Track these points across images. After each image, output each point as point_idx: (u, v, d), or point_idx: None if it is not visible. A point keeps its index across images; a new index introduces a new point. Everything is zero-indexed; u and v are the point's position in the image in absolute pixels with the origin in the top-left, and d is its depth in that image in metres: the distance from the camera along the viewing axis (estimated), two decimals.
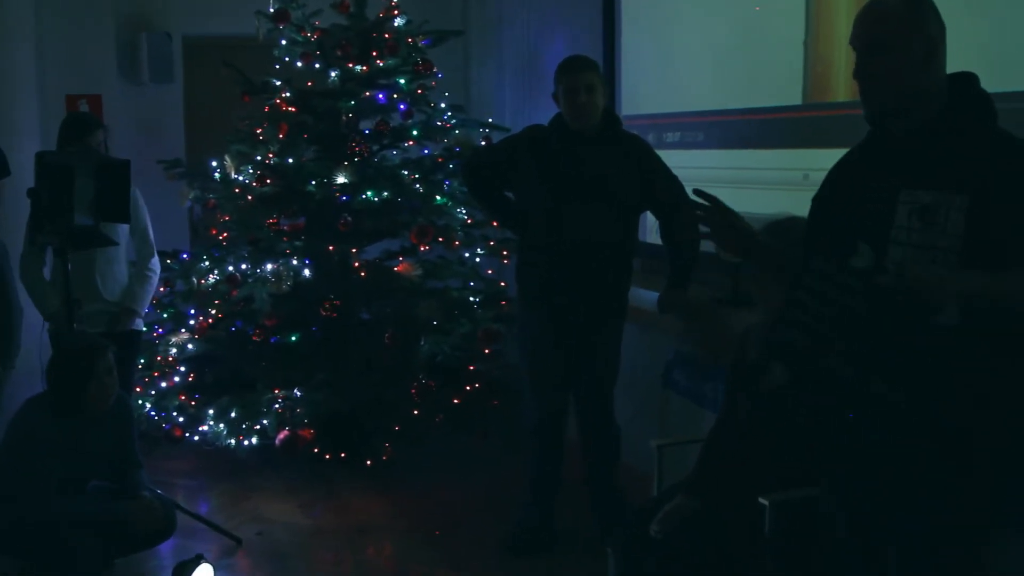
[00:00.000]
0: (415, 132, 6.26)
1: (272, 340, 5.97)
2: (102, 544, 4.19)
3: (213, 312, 6.11)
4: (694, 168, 5.11)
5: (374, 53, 6.19)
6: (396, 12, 6.26)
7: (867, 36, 2.64)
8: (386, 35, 6.20)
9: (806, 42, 4.53)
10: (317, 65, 6.24)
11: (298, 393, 5.78)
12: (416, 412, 5.89)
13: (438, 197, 6.18)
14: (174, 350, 6.05)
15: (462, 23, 7.46)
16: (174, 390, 6.02)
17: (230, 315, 6.12)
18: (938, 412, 2.54)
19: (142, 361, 5.84)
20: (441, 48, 6.52)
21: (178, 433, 5.97)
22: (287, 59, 6.30)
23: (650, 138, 5.25)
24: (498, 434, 6.00)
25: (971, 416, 2.53)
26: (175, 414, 5.98)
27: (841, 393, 2.65)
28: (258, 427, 5.81)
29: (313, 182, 5.99)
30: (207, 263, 6.11)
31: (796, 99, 4.62)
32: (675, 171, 4.67)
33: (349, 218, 5.92)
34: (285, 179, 6.04)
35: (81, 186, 4.41)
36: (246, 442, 5.84)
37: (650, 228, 5.45)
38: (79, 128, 5.07)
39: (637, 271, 4.85)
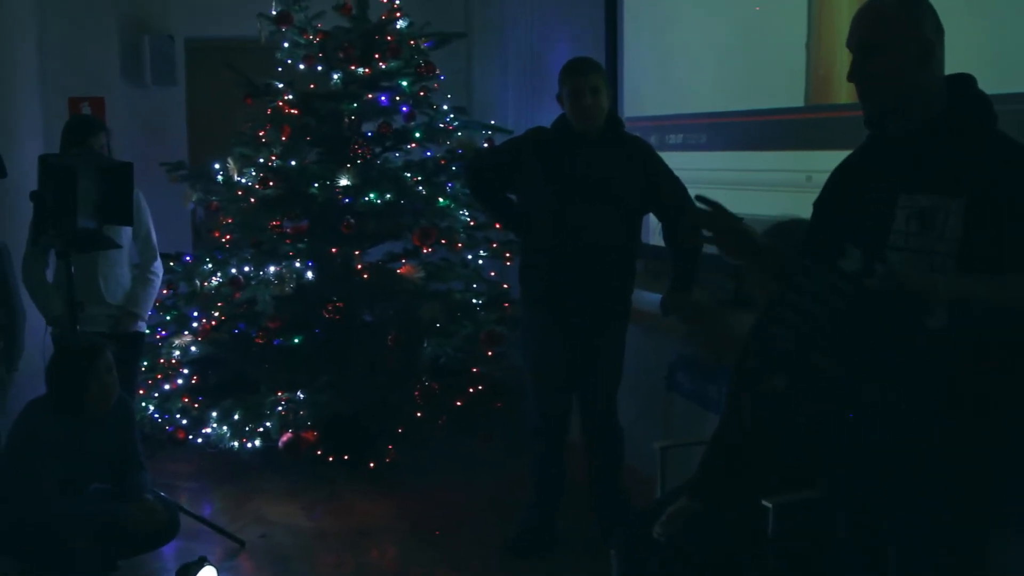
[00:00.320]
0: (418, 134, 6.26)
1: (275, 342, 5.98)
2: (102, 546, 4.19)
3: (216, 314, 6.11)
4: (696, 170, 5.10)
5: (376, 55, 6.19)
6: (398, 14, 6.27)
7: (863, 37, 2.64)
8: (388, 37, 6.21)
9: (808, 44, 4.53)
10: (319, 67, 6.24)
11: (301, 395, 5.78)
12: (419, 414, 5.90)
13: (441, 199, 6.19)
14: (177, 352, 6.05)
15: (464, 25, 7.47)
16: (177, 392, 6.02)
17: (233, 317, 6.12)
18: (930, 414, 2.54)
19: (145, 363, 5.85)
20: (443, 50, 6.52)
21: (181, 435, 5.97)
22: (289, 61, 6.31)
23: (652, 140, 5.25)
24: (501, 436, 6.00)
25: (964, 417, 2.53)
26: (178, 416, 5.98)
27: (832, 394, 2.65)
28: (261, 429, 5.82)
29: (316, 184, 5.99)
30: (210, 265, 6.11)
31: (798, 101, 4.62)
32: (677, 173, 4.67)
33: (352, 220, 5.92)
34: (288, 181, 6.04)
35: (84, 189, 4.41)
36: (249, 444, 5.84)
37: (653, 230, 5.45)
38: (81, 131, 5.07)
39: (640, 273, 4.85)
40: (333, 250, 6.06)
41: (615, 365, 4.75)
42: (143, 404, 5.89)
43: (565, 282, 4.58)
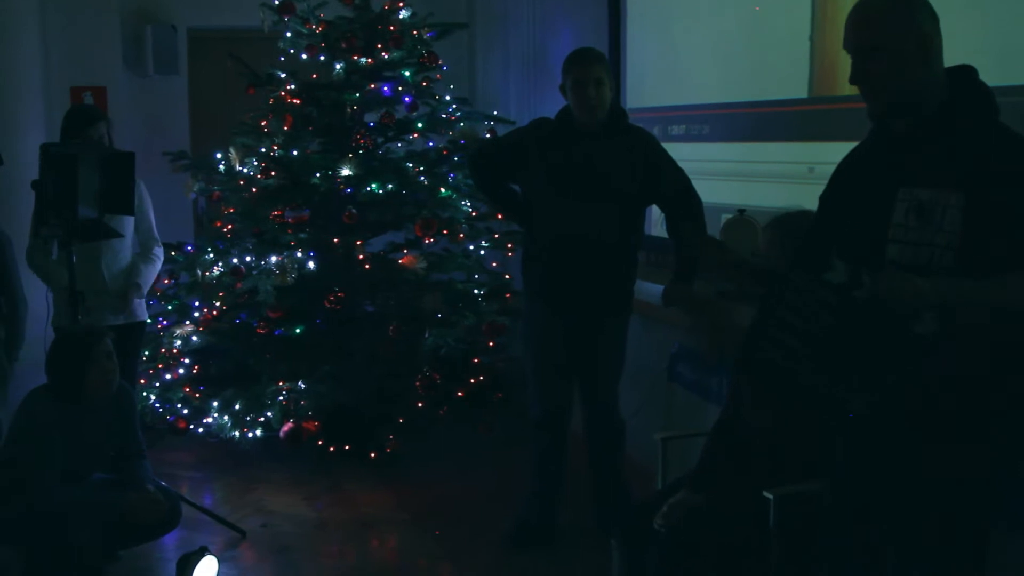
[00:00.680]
0: (420, 124, 6.26)
1: (276, 332, 5.98)
2: (104, 535, 4.19)
3: (217, 304, 6.11)
4: (699, 161, 5.10)
5: (379, 45, 6.18)
6: (401, 4, 6.26)
7: (860, 39, 2.61)
8: (391, 27, 6.20)
9: (812, 35, 4.52)
10: (322, 57, 6.24)
11: (302, 385, 5.78)
12: (420, 405, 5.90)
13: (443, 190, 6.18)
14: (178, 342, 6.05)
15: (467, 16, 7.45)
16: (178, 382, 6.02)
17: (234, 307, 6.12)
18: (923, 419, 2.55)
19: (146, 353, 5.85)
20: (446, 41, 6.52)
21: (182, 425, 5.97)
22: (292, 51, 6.30)
23: (656, 131, 5.24)
24: (502, 427, 6.01)
25: (958, 419, 2.53)
26: (179, 406, 5.99)
27: (823, 408, 2.66)
28: (262, 419, 5.83)
29: (318, 174, 5.98)
30: (211, 255, 6.11)
31: (802, 92, 4.61)
32: (681, 164, 4.66)
33: (354, 210, 5.92)
34: (290, 171, 6.04)
35: (85, 178, 4.41)
36: (250, 434, 5.85)
37: (655, 221, 5.44)
38: (81, 120, 5.06)
39: (642, 264, 4.84)
40: (335, 240, 6.07)
41: (616, 357, 4.74)
42: (144, 394, 5.90)
43: (567, 273, 4.58)
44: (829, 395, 2.55)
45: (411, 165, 6.18)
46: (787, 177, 4.70)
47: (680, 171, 4.63)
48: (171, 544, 4.73)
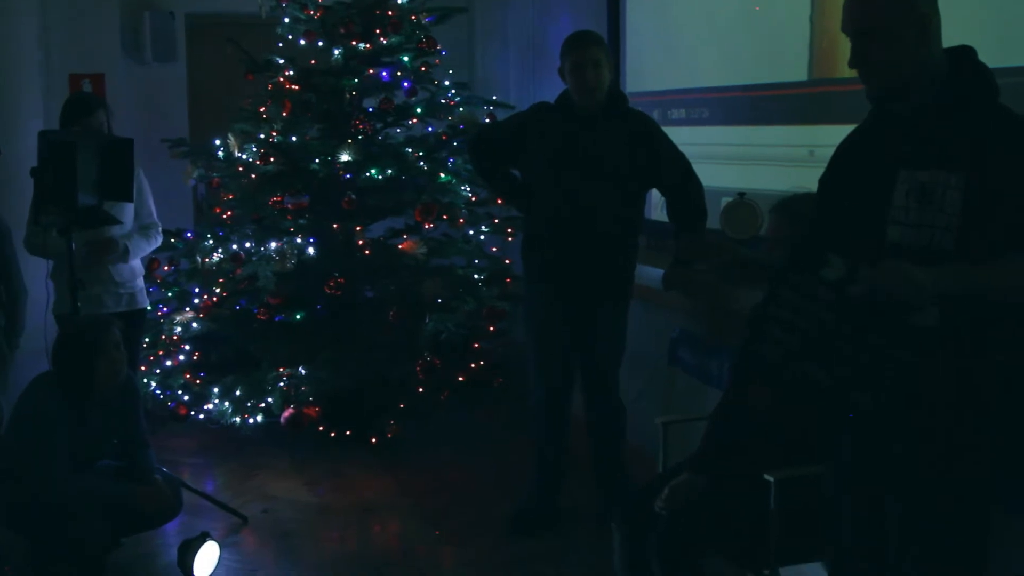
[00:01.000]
0: (419, 110, 6.24)
1: (277, 318, 5.97)
2: (110, 523, 4.20)
3: (217, 291, 6.10)
4: (699, 145, 5.09)
5: (377, 31, 6.16)
6: None
7: (858, 23, 2.60)
8: (389, 12, 6.18)
9: (811, 17, 4.50)
10: (320, 43, 6.22)
11: (303, 371, 5.78)
12: (421, 390, 5.90)
13: (442, 175, 6.17)
14: (179, 329, 6.04)
15: (466, 0, 7.42)
16: (179, 368, 6.02)
17: (234, 293, 6.11)
18: (923, 411, 2.55)
19: (147, 340, 5.85)
20: (445, 25, 6.49)
21: (183, 411, 5.97)
22: (290, 37, 6.29)
23: (655, 115, 5.23)
24: (503, 412, 6.01)
25: (959, 410, 2.53)
26: (180, 392, 5.98)
27: (824, 404, 2.66)
28: (263, 405, 5.83)
29: (317, 160, 5.98)
30: (211, 242, 6.11)
31: (802, 75, 4.60)
32: (681, 148, 4.65)
33: (353, 196, 5.91)
34: (289, 157, 6.03)
35: (84, 165, 4.40)
36: (251, 420, 5.85)
37: (656, 205, 5.44)
38: (81, 108, 5.04)
39: (642, 248, 4.84)
40: (334, 226, 6.06)
41: (617, 341, 4.74)
42: (145, 380, 5.89)
43: (567, 257, 4.57)
44: (833, 391, 2.55)
45: (410, 150, 6.17)
46: (787, 160, 4.70)
47: (680, 155, 4.62)
48: (172, 530, 4.73)
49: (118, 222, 4.93)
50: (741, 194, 4.52)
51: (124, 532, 4.40)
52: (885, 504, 2.72)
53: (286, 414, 5.69)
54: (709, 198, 4.59)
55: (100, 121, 5.03)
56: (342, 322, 5.98)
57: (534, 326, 4.79)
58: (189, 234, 6.24)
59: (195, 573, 4.31)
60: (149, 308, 5.52)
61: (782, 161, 4.74)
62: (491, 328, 6.16)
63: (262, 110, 6.20)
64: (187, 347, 6.07)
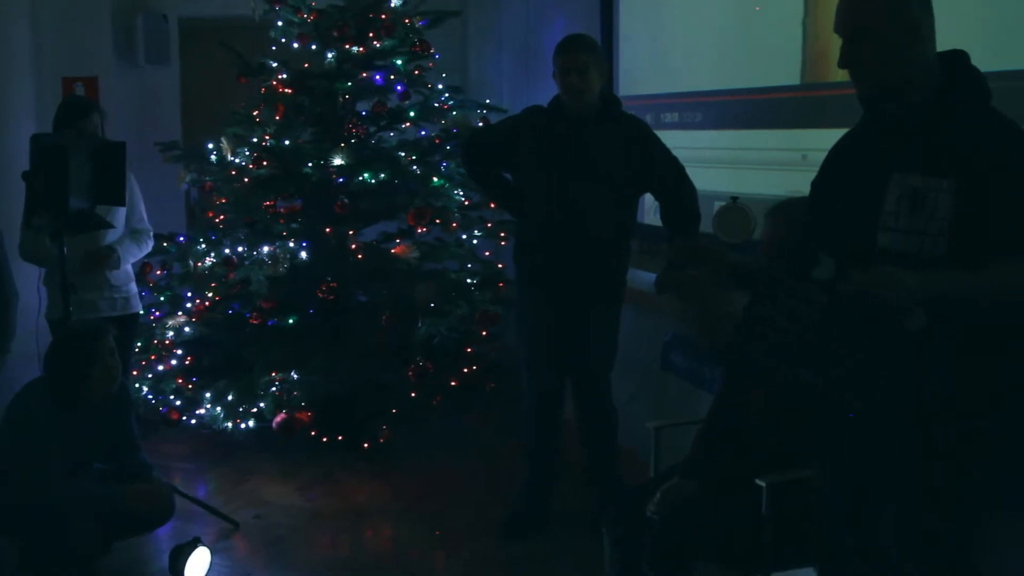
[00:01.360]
0: (412, 113, 6.23)
1: (269, 323, 5.96)
2: (101, 526, 4.18)
3: (210, 295, 6.09)
4: (692, 148, 5.09)
5: (371, 34, 6.15)
6: None
7: (848, 23, 2.62)
8: (383, 16, 6.17)
9: (804, 21, 4.50)
10: (314, 46, 6.21)
11: (295, 376, 5.76)
12: (413, 395, 5.88)
13: (435, 179, 6.16)
14: (171, 333, 6.03)
15: (460, 3, 7.42)
16: (171, 373, 6.00)
17: (227, 298, 6.11)
18: (915, 413, 2.55)
19: (139, 344, 5.83)
20: (439, 29, 6.48)
21: (175, 416, 5.95)
22: (283, 40, 6.27)
23: (648, 118, 5.23)
24: (495, 416, 6.00)
25: (950, 412, 2.53)
26: (172, 397, 5.96)
27: (814, 404, 2.65)
28: (255, 410, 5.80)
29: (310, 164, 5.96)
30: (204, 246, 6.09)
31: (794, 79, 4.60)
32: (674, 152, 4.65)
33: (346, 200, 5.90)
34: (282, 161, 6.02)
35: (76, 168, 4.39)
36: (243, 425, 5.83)
37: (648, 209, 5.43)
38: (75, 111, 5.03)
39: (635, 252, 4.83)
40: (327, 230, 6.05)
41: (609, 345, 4.74)
42: (137, 385, 5.87)
43: (559, 261, 4.57)
44: (827, 393, 2.55)
45: (403, 154, 6.16)
46: (780, 164, 4.70)
47: (673, 159, 4.62)
48: (164, 535, 4.71)
49: (110, 226, 4.92)
50: (734, 198, 4.51)
51: (116, 536, 4.39)
52: (882, 505, 2.72)
53: (278, 419, 5.67)
54: (702, 202, 4.59)
55: (94, 125, 5.02)
56: (334, 326, 5.97)
57: (526, 330, 4.79)
58: (182, 238, 6.23)
59: None
60: (142, 312, 5.51)
61: (775, 165, 4.74)
62: (484, 332, 6.15)
63: (255, 114, 6.19)
64: (179, 352, 6.05)
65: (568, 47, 4.50)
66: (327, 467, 5.73)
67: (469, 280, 6.26)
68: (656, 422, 4.10)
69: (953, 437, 2.55)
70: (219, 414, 5.83)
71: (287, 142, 6.09)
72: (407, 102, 6.21)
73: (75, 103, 5.24)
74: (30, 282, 5.10)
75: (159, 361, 6.04)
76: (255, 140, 6.12)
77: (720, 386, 3.73)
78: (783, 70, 4.64)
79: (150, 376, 6.00)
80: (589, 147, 4.51)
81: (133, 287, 5.28)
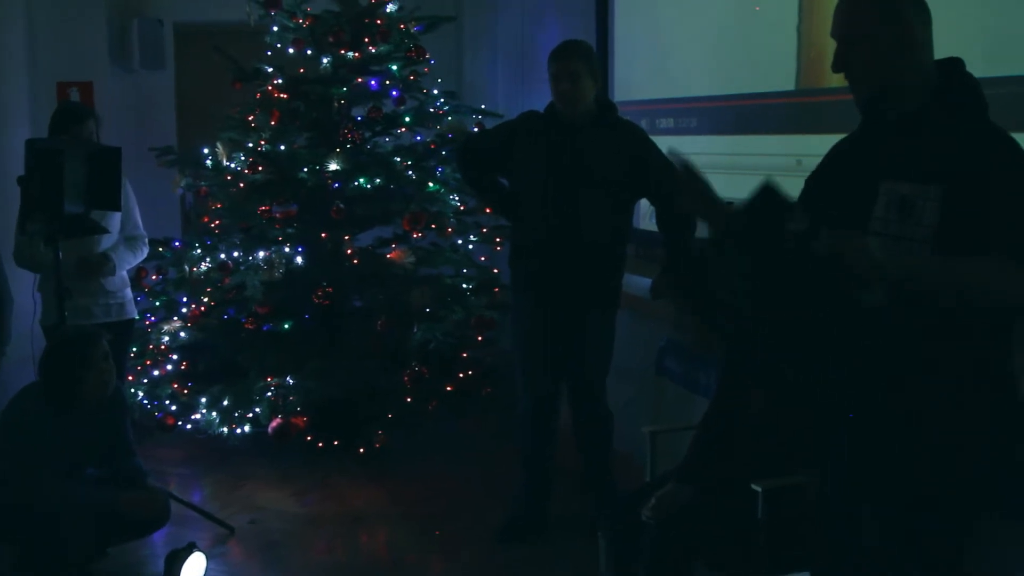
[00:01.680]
0: (408, 119, 6.24)
1: (264, 328, 5.96)
2: (96, 532, 4.18)
3: (205, 300, 6.09)
4: (688, 154, 5.07)
5: (366, 39, 6.16)
6: None
7: (842, 28, 2.64)
8: (378, 21, 6.17)
9: (799, 27, 4.51)
10: (309, 52, 6.22)
11: (291, 381, 5.76)
12: (409, 399, 5.88)
13: (431, 184, 6.17)
14: (166, 338, 6.03)
15: (455, 9, 7.43)
16: (166, 378, 6.00)
17: (222, 303, 6.10)
18: (883, 392, 2.55)
19: (134, 349, 5.83)
20: (434, 34, 6.49)
21: (170, 421, 5.95)
22: (278, 45, 6.28)
23: (643, 124, 5.24)
24: (491, 421, 6.00)
25: (920, 397, 2.54)
26: (167, 402, 5.96)
27: (814, 404, 2.66)
28: (250, 415, 5.80)
29: (305, 169, 5.96)
30: (199, 251, 6.09)
31: (789, 84, 4.60)
32: (669, 157, 4.65)
33: (341, 205, 5.90)
34: (277, 166, 6.02)
35: (71, 173, 4.39)
36: (239, 430, 5.83)
37: (644, 215, 5.44)
38: (70, 117, 5.04)
39: (630, 258, 4.84)
40: (323, 235, 6.05)
41: (604, 350, 4.74)
42: (132, 390, 5.86)
43: (555, 266, 4.57)
44: (823, 394, 2.55)
45: (399, 159, 6.16)
46: (775, 170, 4.68)
47: (669, 165, 4.59)
48: (159, 540, 4.71)
49: (105, 231, 4.92)
50: (729, 203, 4.51)
51: (111, 541, 4.39)
52: (881, 505, 2.72)
53: (274, 424, 5.67)
54: None
55: (90, 130, 5.03)
56: (330, 332, 5.98)
57: (521, 335, 4.79)
58: (177, 243, 6.23)
59: None
60: (137, 318, 5.50)
61: (770, 170, 4.70)
62: (479, 338, 6.15)
63: (250, 119, 6.19)
64: (175, 357, 6.05)
65: (561, 54, 4.51)
66: (323, 472, 5.73)
67: (465, 285, 6.27)
68: (652, 427, 4.10)
69: (952, 438, 2.55)
70: (215, 419, 5.83)
71: (282, 147, 6.09)
72: (402, 107, 6.22)
73: (71, 109, 5.25)
74: (25, 287, 5.09)
75: (154, 366, 6.04)
76: (250, 145, 6.12)
77: (716, 391, 3.74)
78: (778, 76, 4.64)
79: (145, 381, 6.00)
80: (585, 152, 4.51)
81: (128, 293, 5.29)
